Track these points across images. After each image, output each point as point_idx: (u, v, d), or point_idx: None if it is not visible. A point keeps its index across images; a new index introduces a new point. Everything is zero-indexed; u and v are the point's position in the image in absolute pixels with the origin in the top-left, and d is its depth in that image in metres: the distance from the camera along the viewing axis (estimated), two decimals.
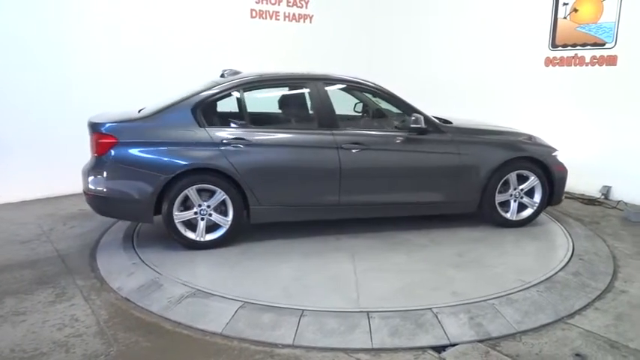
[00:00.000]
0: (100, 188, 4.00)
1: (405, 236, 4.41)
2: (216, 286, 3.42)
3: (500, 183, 4.48)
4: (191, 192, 3.97)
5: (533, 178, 4.53)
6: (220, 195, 4.02)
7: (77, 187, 5.85)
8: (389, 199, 4.41)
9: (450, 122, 4.67)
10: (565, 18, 6.00)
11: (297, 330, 2.90)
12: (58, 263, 3.99)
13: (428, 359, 2.68)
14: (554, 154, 4.63)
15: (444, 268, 3.73)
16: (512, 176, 4.51)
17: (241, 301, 3.17)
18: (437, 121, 4.52)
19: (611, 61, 5.67)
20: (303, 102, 4.56)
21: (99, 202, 4.10)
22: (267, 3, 7.16)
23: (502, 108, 6.46)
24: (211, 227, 4.09)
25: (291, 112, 4.70)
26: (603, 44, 5.71)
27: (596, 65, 5.79)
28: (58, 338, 2.88)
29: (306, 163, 4.18)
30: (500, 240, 4.38)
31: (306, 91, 4.44)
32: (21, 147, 5.59)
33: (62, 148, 5.77)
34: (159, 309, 3.19)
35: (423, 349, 2.77)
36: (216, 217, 4.06)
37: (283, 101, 4.76)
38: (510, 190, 4.56)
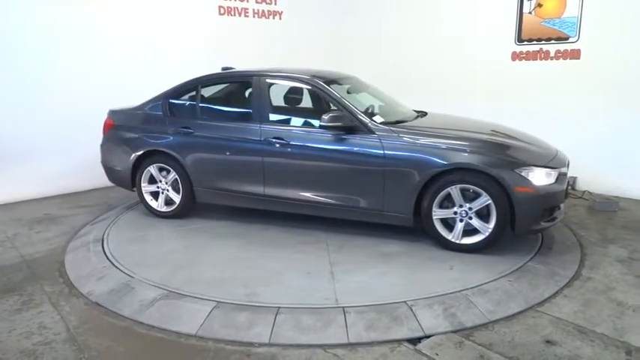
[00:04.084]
0: (104, 159, 5.15)
1: (325, 237, 4.25)
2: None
3: (440, 197, 3.82)
4: (151, 169, 4.80)
5: (484, 196, 3.70)
6: (172, 174, 4.75)
7: (43, 190, 5.79)
8: (310, 198, 4.26)
9: (423, 115, 4.68)
10: (530, 13, 6.13)
11: (272, 328, 2.89)
12: (24, 269, 3.87)
13: (403, 351, 2.70)
14: (518, 169, 3.66)
15: (289, 272, 3.57)
16: (454, 191, 3.77)
17: (215, 300, 3.14)
18: (371, 121, 4.09)
19: (575, 54, 5.82)
20: (245, 96, 4.75)
21: (106, 171, 5.18)
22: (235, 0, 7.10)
23: (470, 102, 6.55)
24: (170, 201, 4.86)
25: (235, 105, 4.93)
26: (567, 38, 5.86)
27: (561, 59, 5.94)
28: (26, 347, 2.79)
29: (234, 154, 4.48)
30: (419, 258, 3.81)
31: (248, 86, 4.64)
32: None
33: (25, 152, 5.61)
34: (131, 312, 3.12)
35: (398, 341, 2.79)
36: (171, 193, 4.81)
37: (231, 95, 4.99)
38: (455, 207, 3.83)
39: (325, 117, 4.00)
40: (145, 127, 4.82)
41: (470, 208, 3.79)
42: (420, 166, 3.83)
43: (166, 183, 4.79)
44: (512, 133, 4.30)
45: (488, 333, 2.87)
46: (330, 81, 4.55)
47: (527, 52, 6.20)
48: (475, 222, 3.80)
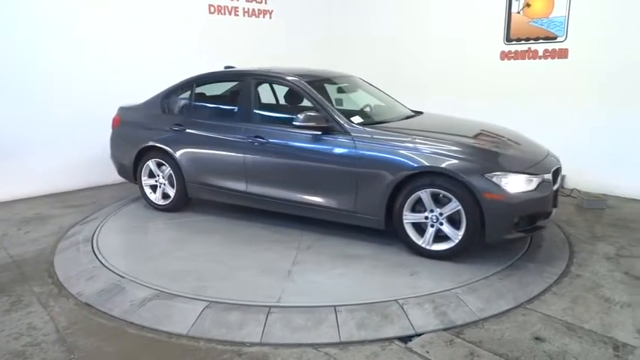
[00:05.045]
0: (112, 154, 5.37)
1: (301, 236, 4.25)
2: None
3: (411, 200, 3.70)
4: (150, 164, 4.99)
5: (454, 201, 3.55)
6: (168, 169, 4.91)
7: (32, 190, 5.74)
8: (286, 197, 4.28)
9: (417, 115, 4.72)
10: (519, 13, 6.18)
11: (264, 327, 2.89)
12: (13, 270, 3.83)
13: (395, 350, 2.72)
14: (489, 175, 3.46)
15: (249, 269, 3.62)
16: (425, 195, 3.64)
17: (207, 300, 3.14)
18: (347, 121, 4.02)
19: (563, 54, 5.88)
20: (233, 95, 4.83)
21: (114, 165, 5.39)
22: None
23: (460, 101, 6.59)
24: (166, 195, 5.04)
25: (223, 104, 5.01)
26: (555, 38, 5.91)
27: (549, 58, 5.99)
28: (15, 348, 2.77)
29: (220, 151, 4.58)
30: (384, 262, 3.71)
31: (237, 85, 4.74)
32: None
33: (15, 151, 5.56)
34: (121, 313, 3.11)
35: (389, 340, 2.80)
36: (167, 188, 4.98)
37: (220, 94, 5.08)
38: (427, 212, 3.69)
39: (300, 116, 3.99)
40: (145, 124, 5.02)
41: (441, 214, 3.64)
42: (390, 168, 3.73)
43: (163, 177, 4.97)
44: (503, 134, 4.22)
45: (478, 330, 2.89)
46: (320, 80, 4.56)
47: (516, 52, 6.25)
48: (446, 228, 3.65)
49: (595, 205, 5.25)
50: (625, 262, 3.85)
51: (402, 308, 3.04)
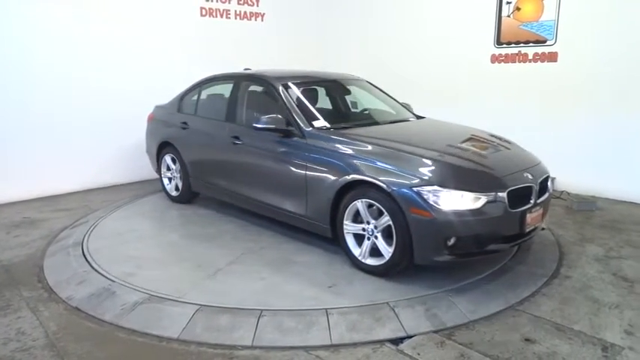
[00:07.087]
0: (146, 148, 5.84)
1: (267, 237, 4.31)
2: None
3: (350, 210, 3.57)
4: (166, 158, 5.47)
5: (385, 215, 3.33)
6: (178, 165, 5.31)
7: (21, 194, 5.68)
8: (255, 196, 4.40)
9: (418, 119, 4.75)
10: (509, 16, 6.23)
11: (255, 331, 2.88)
12: (1, 274, 3.79)
13: (386, 352, 2.73)
14: (418, 188, 3.15)
15: (188, 262, 3.82)
16: (361, 205, 3.48)
17: (198, 304, 3.12)
18: (306, 125, 3.98)
19: (552, 57, 5.93)
20: (226, 97, 4.96)
21: (149, 158, 5.84)
22: (217, 1, 7.06)
23: (450, 103, 6.63)
24: (177, 187, 5.46)
25: (218, 105, 5.07)
26: (544, 41, 5.96)
27: (539, 62, 6.05)
28: (3, 354, 2.74)
29: (209, 149, 4.89)
30: (315, 271, 3.63)
31: (231, 87, 4.86)
32: None
33: (4, 154, 5.51)
34: (112, 317, 3.09)
35: (381, 342, 2.81)
36: (178, 181, 5.39)
37: (217, 96, 5.23)
38: (364, 224, 3.54)
39: (263, 118, 4.02)
40: (166, 122, 5.45)
41: (375, 227, 3.45)
42: (332, 174, 3.65)
43: (176, 171, 5.39)
44: (491, 140, 4.07)
45: (468, 332, 2.91)
46: (314, 82, 4.61)
47: (507, 55, 6.30)
48: (379, 242, 3.44)
49: (584, 207, 5.29)
50: (614, 264, 3.89)
51: (394, 310, 3.05)
